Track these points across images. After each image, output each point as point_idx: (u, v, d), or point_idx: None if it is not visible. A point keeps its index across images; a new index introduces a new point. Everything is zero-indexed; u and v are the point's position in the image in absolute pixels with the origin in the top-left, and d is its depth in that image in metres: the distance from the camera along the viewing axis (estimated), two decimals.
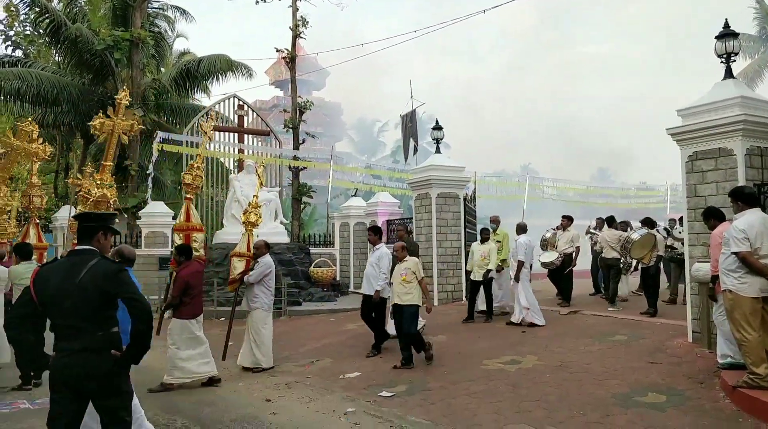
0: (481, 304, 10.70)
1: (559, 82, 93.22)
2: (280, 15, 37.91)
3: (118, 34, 19.93)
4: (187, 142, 18.40)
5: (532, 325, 9.55)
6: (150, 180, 18.95)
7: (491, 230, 10.75)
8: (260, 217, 8.88)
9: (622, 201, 24.71)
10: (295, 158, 19.89)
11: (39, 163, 10.50)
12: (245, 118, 20.37)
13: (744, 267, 5.31)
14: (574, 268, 11.68)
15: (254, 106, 22.61)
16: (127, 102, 6.15)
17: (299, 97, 20.66)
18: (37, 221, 9.70)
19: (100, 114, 6.10)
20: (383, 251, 8.56)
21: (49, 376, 3.46)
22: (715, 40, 7.60)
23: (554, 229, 12.03)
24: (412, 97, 20.49)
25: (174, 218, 14.91)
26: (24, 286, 7.19)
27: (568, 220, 11.90)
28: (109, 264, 3.53)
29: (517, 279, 9.89)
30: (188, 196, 8.15)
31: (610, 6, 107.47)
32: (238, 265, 8.19)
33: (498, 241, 10.83)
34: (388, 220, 16.09)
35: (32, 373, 7.11)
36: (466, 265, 12.25)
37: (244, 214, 8.79)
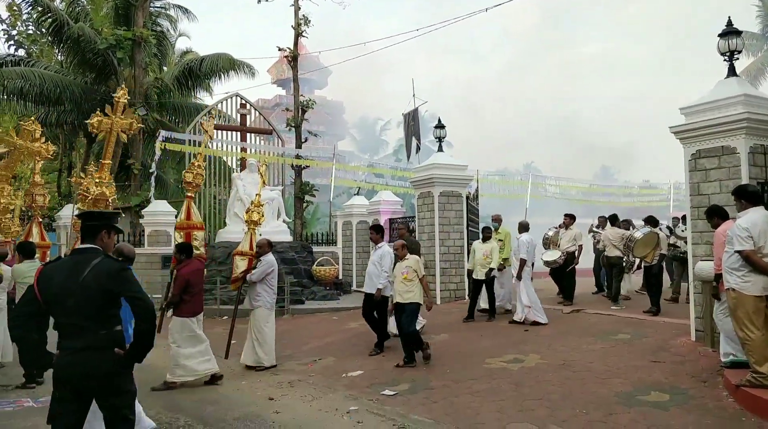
0: (483, 303, 10.70)
1: (561, 81, 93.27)
2: (281, 14, 37.87)
3: (120, 34, 19.97)
4: (189, 140, 18.42)
5: (535, 323, 9.54)
6: (153, 179, 19.00)
7: (493, 229, 10.74)
8: (263, 215, 8.88)
9: (624, 199, 24.67)
10: (298, 157, 19.89)
11: (42, 162, 10.51)
12: (248, 116, 20.39)
13: (747, 265, 5.29)
14: (576, 267, 11.66)
15: (257, 105, 22.64)
16: (126, 100, 6.11)
17: (301, 95, 20.65)
18: (40, 220, 9.71)
19: (98, 112, 6.07)
20: (385, 250, 8.56)
21: (53, 375, 3.47)
22: (718, 38, 7.58)
23: (556, 228, 12.01)
24: (414, 95, 20.47)
25: (177, 217, 14.94)
26: (27, 284, 7.20)
27: (570, 218, 11.88)
28: (112, 263, 3.53)
29: (519, 277, 9.89)
30: (189, 194, 8.15)
31: (610, 5, 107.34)
32: (240, 264, 8.19)
33: (500, 240, 10.82)
34: (390, 219, 16.08)
35: (35, 372, 7.13)
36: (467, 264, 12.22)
37: (246, 212, 8.80)
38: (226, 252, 14.52)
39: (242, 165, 18.85)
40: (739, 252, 5.32)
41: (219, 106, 21.53)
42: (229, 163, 21.53)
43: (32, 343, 6.89)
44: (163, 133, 18.81)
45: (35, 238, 9.13)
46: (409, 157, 21.47)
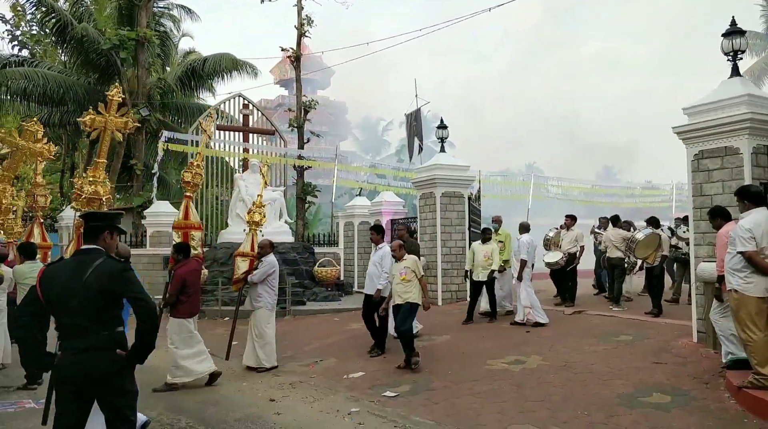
0: (484, 305, 10.68)
1: (562, 80, 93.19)
2: (281, 14, 37.95)
3: (123, 34, 20.01)
4: (192, 141, 18.44)
5: (536, 324, 9.53)
6: (155, 179, 19.01)
7: (493, 230, 10.74)
8: (264, 216, 8.88)
9: (627, 200, 24.62)
10: (300, 157, 19.90)
11: (44, 162, 10.53)
12: (250, 117, 20.41)
13: (750, 266, 5.28)
14: (577, 268, 11.64)
15: (259, 106, 22.68)
16: (120, 99, 6.06)
17: (304, 96, 20.67)
18: (41, 221, 9.73)
19: (90, 110, 6.03)
20: (386, 250, 8.54)
21: (55, 375, 3.47)
22: (722, 37, 7.56)
23: (557, 229, 12.00)
24: (416, 96, 20.45)
25: None
26: (28, 285, 7.22)
27: (571, 219, 11.87)
28: (114, 263, 3.53)
29: (520, 278, 9.87)
30: (188, 194, 8.14)
31: (612, 4, 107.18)
32: (241, 265, 8.20)
33: (500, 241, 10.81)
34: (392, 220, 16.08)
35: (36, 372, 7.14)
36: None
37: (248, 213, 8.80)
38: (228, 253, 14.53)
39: (244, 165, 18.86)
40: (741, 253, 5.30)
41: (222, 106, 21.56)
42: (232, 164, 21.56)
43: (34, 343, 6.92)
44: (165, 133, 18.83)
45: (37, 239, 9.15)
46: (411, 157, 21.45)
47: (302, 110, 20.20)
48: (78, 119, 6.37)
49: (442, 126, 14.03)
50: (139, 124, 7.61)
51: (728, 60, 7.56)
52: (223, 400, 6.60)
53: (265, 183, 9.41)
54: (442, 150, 14.10)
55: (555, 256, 11.37)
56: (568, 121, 71.99)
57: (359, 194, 19.90)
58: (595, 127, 76.58)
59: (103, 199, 5.66)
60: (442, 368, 7.46)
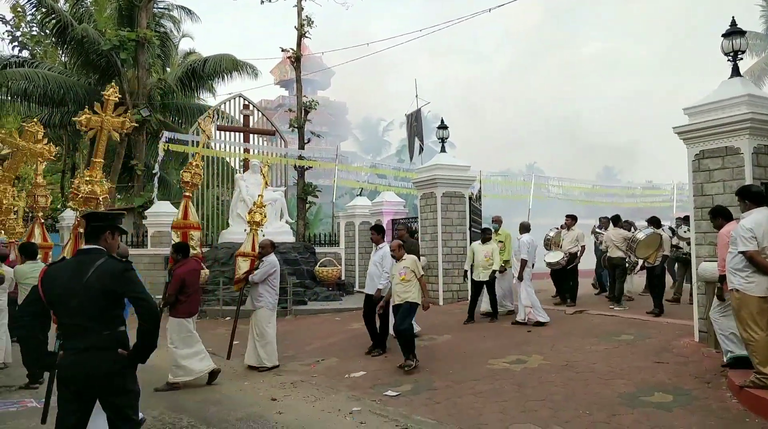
0: (485, 305, 10.67)
1: (562, 80, 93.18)
2: (281, 15, 37.93)
3: (124, 35, 20.02)
4: (192, 141, 18.44)
5: (537, 324, 9.53)
6: (156, 180, 19.03)
7: (493, 230, 10.74)
8: (265, 216, 8.88)
9: (627, 200, 24.62)
10: (301, 158, 19.91)
11: (45, 163, 10.54)
12: (250, 117, 20.41)
13: (751, 266, 5.28)
14: (578, 268, 11.65)
15: (259, 106, 22.70)
16: (116, 99, 6.04)
17: (304, 96, 20.68)
18: (42, 221, 9.74)
19: (86, 109, 6.02)
20: (386, 250, 8.52)
21: (57, 375, 3.48)
22: (722, 38, 7.56)
23: (558, 229, 12.01)
24: (417, 96, 20.45)
25: None
26: (29, 285, 7.23)
27: (572, 219, 11.88)
28: (116, 263, 3.54)
29: (520, 278, 9.87)
30: (187, 193, 8.14)
31: (612, 4, 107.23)
32: (242, 265, 8.20)
33: (500, 241, 10.81)
34: (393, 220, 16.08)
35: (37, 371, 7.15)
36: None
37: (249, 213, 8.81)
38: (229, 253, 14.53)
39: (245, 166, 18.87)
40: (742, 253, 5.31)
41: (222, 106, 21.57)
42: (232, 164, 21.57)
43: (35, 342, 6.93)
44: (166, 134, 18.85)
45: (37, 239, 9.15)
46: (411, 157, 21.45)
47: (303, 111, 20.20)
48: (74, 119, 6.34)
49: (443, 126, 14.03)
50: (136, 124, 7.54)
51: (728, 60, 7.56)
52: (225, 400, 6.61)
53: (266, 183, 9.41)
54: (443, 150, 14.10)
55: (556, 256, 11.37)
56: (569, 122, 72.03)
57: (360, 194, 19.91)
58: (596, 128, 76.63)
59: (100, 198, 5.63)
60: (444, 368, 7.46)
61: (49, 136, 17.64)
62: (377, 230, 8.83)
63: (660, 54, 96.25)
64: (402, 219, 16.12)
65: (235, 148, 20.12)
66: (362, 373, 7.53)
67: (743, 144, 7.05)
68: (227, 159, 21.16)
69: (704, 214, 7.17)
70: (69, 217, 17.34)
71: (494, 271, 10.11)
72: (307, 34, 20.26)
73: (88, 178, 5.65)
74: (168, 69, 25.46)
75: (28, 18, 26.39)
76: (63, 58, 24.59)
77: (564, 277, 11.69)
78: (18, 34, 27.39)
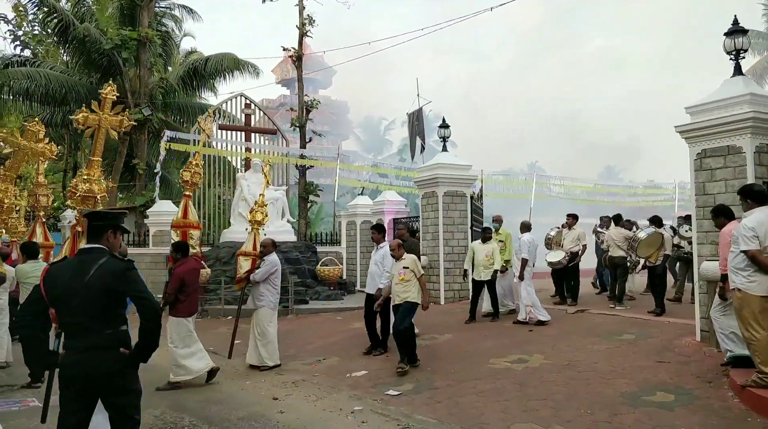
0: (486, 306, 10.66)
1: (565, 79, 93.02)
2: (282, 14, 37.93)
3: (125, 34, 20.03)
4: (194, 140, 18.47)
5: (539, 323, 9.53)
6: (158, 179, 19.04)
7: (493, 230, 10.73)
8: (266, 215, 8.89)
9: (629, 199, 24.61)
10: (302, 157, 19.92)
11: (46, 162, 10.55)
12: (252, 116, 20.43)
13: (753, 265, 5.27)
14: (579, 267, 11.64)
15: (261, 105, 22.71)
16: (114, 97, 6.02)
17: (306, 95, 20.69)
18: (44, 220, 9.76)
19: (83, 107, 6.00)
20: (387, 249, 8.50)
21: (59, 374, 3.48)
22: (724, 36, 7.55)
23: (559, 228, 11.99)
24: (418, 95, 20.44)
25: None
26: (30, 284, 7.24)
27: (573, 218, 11.87)
28: (117, 262, 3.54)
29: (521, 277, 9.87)
30: (187, 193, 8.14)
31: (613, 3, 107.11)
32: (244, 264, 8.21)
33: (501, 241, 10.80)
34: (394, 219, 16.08)
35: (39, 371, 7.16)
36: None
37: (250, 212, 8.81)
38: (230, 252, 14.54)
39: (247, 165, 18.90)
40: (744, 252, 5.30)
41: (224, 106, 21.59)
42: (234, 163, 21.58)
43: (37, 342, 6.94)
44: (168, 133, 18.87)
45: (39, 239, 9.16)
46: (413, 156, 21.45)
47: (304, 110, 20.21)
48: (70, 117, 6.31)
49: (444, 125, 14.03)
50: (134, 123, 7.49)
51: (731, 59, 7.55)
52: (227, 399, 6.61)
53: (267, 182, 9.42)
54: (444, 149, 14.10)
55: (557, 256, 11.36)
56: (571, 120, 71.94)
57: (361, 193, 19.92)
58: (598, 126, 76.60)
59: (98, 197, 5.60)
60: (445, 367, 7.46)
61: (50, 135, 17.69)
62: (378, 229, 8.82)
63: (661, 53, 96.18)
64: (403, 218, 16.13)
65: (236, 147, 20.13)
66: (364, 373, 7.53)
67: (745, 143, 7.04)
68: (229, 158, 21.17)
69: (706, 213, 7.16)
70: (70, 216, 17.36)
71: (496, 271, 10.11)
72: (308, 33, 20.27)
73: (85, 177, 5.63)
74: (170, 68, 25.48)
75: (30, 17, 26.43)
76: (65, 57, 24.61)
77: (565, 276, 11.68)
78: (20, 33, 27.42)
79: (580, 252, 11.43)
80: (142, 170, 20.80)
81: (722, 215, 6.23)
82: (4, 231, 10.66)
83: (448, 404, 6.02)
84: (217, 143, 19.81)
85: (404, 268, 7.57)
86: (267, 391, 6.88)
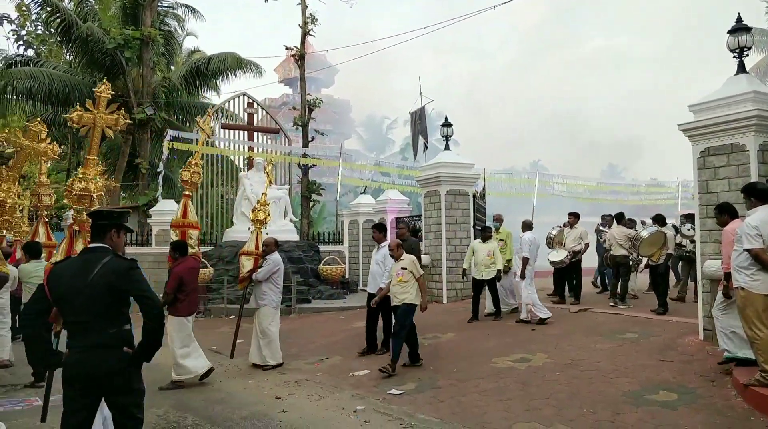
0: (488, 306, 10.65)
1: (567, 78, 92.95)
2: (284, 13, 37.95)
3: (128, 33, 20.05)
4: (197, 140, 18.47)
5: (540, 321, 9.51)
6: (160, 178, 19.08)
7: (494, 229, 10.72)
8: (269, 214, 8.89)
9: (632, 198, 24.57)
10: (305, 156, 19.93)
11: (49, 162, 10.57)
12: (255, 116, 20.44)
13: (756, 264, 5.26)
14: (582, 266, 11.62)
15: (263, 104, 22.69)
16: (109, 95, 6.01)
17: (308, 94, 20.69)
18: (46, 220, 9.78)
19: (78, 106, 5.99)
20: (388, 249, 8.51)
21: (62, 373, 3.49)
22: (728, 34, 7.52)
23: (560, 227, 11.97)
24: (421, 94, 20.45)
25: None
26: (33, 284, 7.25)
27: (575, 217, 11.84)
28: (121, 261, 3.54)
29: (522, 276, 9.85)
30: (186, 192, 8.14)
31: (615, 2, 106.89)
32: (246, 263, 8.22)
33: (501, 240, 10.79)
34: (397, 218, 16.08)
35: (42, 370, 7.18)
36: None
37: (252, 212, 8.81)
38: (233, 251, 14.57)
39: (249, 164, 18.93)
40: (748, 250, 5.28)
41: (226, 105, 21.61)
42: (237, 163, 21.59)
43: (40, 341, 6.94)
44: (170, 132, 18.90)
45: (42, 238, 9.18)
46: (415, 155, 21.45)
47: (306, 109, 20.22)
48: (64, 116, 6.30)
49: (447, 124, 14.01)
50: (130, 122, 7.45)
51: (734, 57, 7.51)
52: (229, 398, 6.62)
53: (270, 181, 9.42)
54: (447, 148, 14.09)
55: (560, 255, 11.35)
56: (573, 119, 72.03)
57: (364, 192, 19.92)
58: (598, 125, 76.55)
59: (94, 196, 5.58)
60: (448, 366, 7.45)
61: (53, 135, 17.72)
62: (379, 229, 8.79)
63: (661, 52, 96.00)
64: (406, 217, 16.12)
65: (239, 146, 20.15)
66: (366, 372, 7.53)
67: (749, 141, 7.02)
68: (231, 157, 21.18)
69: (709, 211, 7.14)
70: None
71: (500, 271, 10.09)
72: (310, 32, 20.27)
73: (81, 176, 5.62)
74: (172, 67, 25.49)
75: (33, 17, 26.49)
76: (68, 56, 24.65)
77: (567, 275, 11.66)
78: (23, 33, 27.47)
79: (582, 250, 11.41)
80: (145, 169, 20.82)
81: (726, 213, 6.20)
82: (4, 231, 10.70)
83: (450, 403, 6.02)
84: (219, 142, 19.83)
85: (402, 268, 7.47)
86: (270, 391, 6.89)
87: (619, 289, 10.72)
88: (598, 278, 13.64)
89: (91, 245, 3.67)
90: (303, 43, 20.33)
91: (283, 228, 16.31)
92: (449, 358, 7.82)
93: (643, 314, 9.62)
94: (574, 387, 6.19)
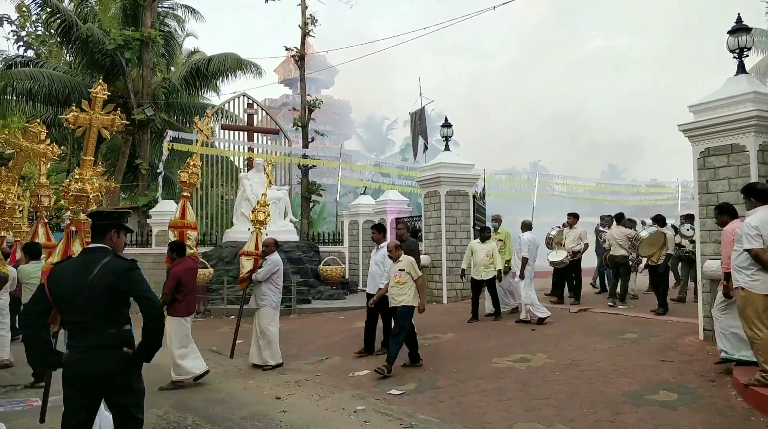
0: (488, 306, 10.65)
1: (567, 78, 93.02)
2: (284, 14, 37.99)
3: (128, 34, 20.07)
4: (197, 140, 18.46)
5: (540, 321, 9.51)
6: (160, 179, 19.08)
7: (492, 229, 10.72)
8: (269, 215, 8.88)
9: (632, 198, 24.57)
10: (305, 156, 19.93)
11: (48, 163, 10.57)
12: (255, 116, 20.45)
13: (756, 264, 5.26)
14: (582, 266, 11.62)
15: (263, 105, 22.70)
16: (104, 96, 6.01)
17: (308, 95, 20.70)
18: (46, 220, 9.79)
19: (73, 107, 5.99)
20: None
21: (62, 373, 3.49)
22: (728, 34, 7.52)
23: (559, 227, 11.97)
24: (421, 94, 20.45)
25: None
26: (33, 285, 7.26)
27: (574, 217, 11.84)
28: (121, 262, 3.54)
29: (522, 276, 9.85)
30: (185, 193, 8.14)
31: (615, 2, 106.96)
32: (246, 264, 8.22)
33: (500, 240, 10.79)
34: (397, 218, 16.08)
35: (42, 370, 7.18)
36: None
37: (252, 212, 8.80)
38: (233, 251, 14.57)
39: (249, 165, 18.93)
40: (748, 250, 5.28)
41: (226, 105, 21.61)
42: (236, 163, 21.59)
43: (40, 341, 6.94)
44: (170, 133, 18.90)
45: (41, 239, 9.19)
46: (415, 156, 21.45)
47: (306, 109, 20.22)
48: (60, 116, 6.30)
49: (447, 124, 14.02)
50: (127, 122, 7.43)
51: (734, 57, 7.52)
52: (229, 398, 6.62)
53: (270, 182, 9.42)
54: (447, 148, 14.09)
55: (560, 255, 11.35)
56: (573, 119, 72.08)
57: (364, 193, 19.93)
58: (598, 126, 76.64)
59: (90, 196, 5.57)
60: (448, 366, 7.45)
61: (53, 135, 17.71)
62: (378, 229, 8.78)
63: (661, 53, 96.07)
64: (406, 217, 16.12)
65: (239, 147, 20.15)
66: (366, 372, 7.53)
67: (749, 141, 7.02)
68: (231, 158, 21.18)
69: (709, 212, 7.14)
70: None
71: (500, 272, 10.09)
72: (310, 33, 20.28)
73: (77, 177, 5.62)
74: (172, 68, 25.50)
75: (33, 18, 26.49)
76: (68, 57, 24.66)
77: (567, 275, 11.66)
78: (23, 33, 27.48)
79: (581, 250, 11.41)
80: (144, 170, 20.83)
81: (726, 213, 6.20)
82: (3, 231, 10.70)
83: (450, 403, 6.02)
84: (219, 143, 19.83)
85: (400, 270, 7.42)
86: (270, 391, 6.89)
87: (618, 290, 10.73)
88: (597, 279, 13.65)
89: (91, 246, 3.67)
90: (303, 43, 20.33)
91: (283, 228, 16.31)
92: (449, 359, 7.82)
93: (643, 314, 9.63)
94: (574, 387, 6.19)
